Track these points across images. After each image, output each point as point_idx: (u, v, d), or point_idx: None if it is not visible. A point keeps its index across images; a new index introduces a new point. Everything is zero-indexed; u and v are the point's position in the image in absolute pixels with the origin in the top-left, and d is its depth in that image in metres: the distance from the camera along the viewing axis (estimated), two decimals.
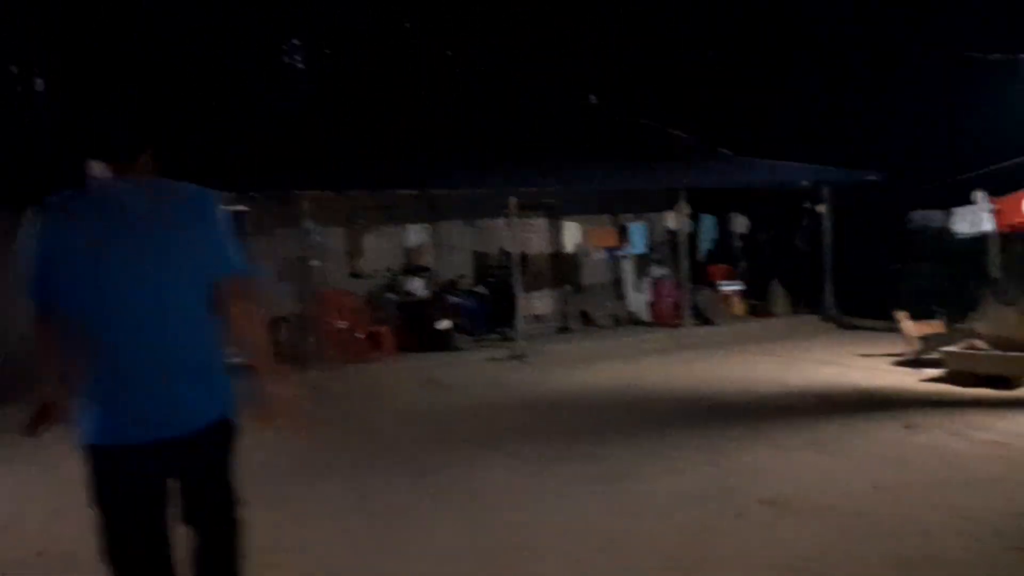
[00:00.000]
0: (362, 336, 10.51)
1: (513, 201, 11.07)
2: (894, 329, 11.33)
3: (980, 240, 10.98)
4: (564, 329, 12.79)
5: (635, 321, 13.16)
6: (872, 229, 14.03)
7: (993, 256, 11.27)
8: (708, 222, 14.06)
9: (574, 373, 9.97)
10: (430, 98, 13.88)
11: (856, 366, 9.50)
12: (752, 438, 6.28)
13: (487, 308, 11.75)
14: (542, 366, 10.49)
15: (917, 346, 9.47)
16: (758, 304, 14.39)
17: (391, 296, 11.54)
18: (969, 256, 11.22)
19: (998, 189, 10.83)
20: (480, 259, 12.75)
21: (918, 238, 12.99)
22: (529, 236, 12.78)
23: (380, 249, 11.93)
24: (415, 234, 12.08)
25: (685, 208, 12.89)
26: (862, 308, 13.89)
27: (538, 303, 12.92)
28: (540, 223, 12.98)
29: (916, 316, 10.14)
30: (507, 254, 11.71)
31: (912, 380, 8.36)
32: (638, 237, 13.02)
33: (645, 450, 6.10)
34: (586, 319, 13.05)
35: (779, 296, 14.31)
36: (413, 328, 11.04)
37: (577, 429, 7.02)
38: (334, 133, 12.54)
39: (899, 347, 9.70)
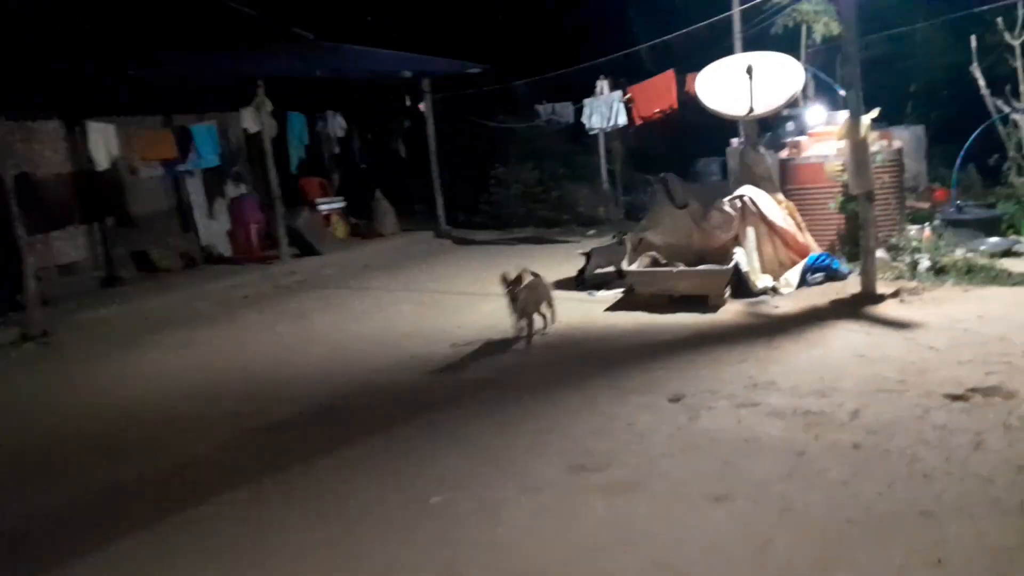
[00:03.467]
0: None
1: None
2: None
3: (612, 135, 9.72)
4: (111, 281, 8.96)
5: (214, 259, 9.74)
6: (480, 130, 12.41)
7: (616, 153, 10.32)
8: (297, 123, 11.01)
9: (129, 359, 6.40)
10: None
11: None
12: (464, 483, 3.59)
13: None
14: (76, 351, 6.74)
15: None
16: (363, 224, 12.04)
17: None
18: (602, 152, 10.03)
19: (634, 77, 9.62)
20: None
21: (543, 137, 11.61)
22: (34, 148, 8.46)
23: None
24: None
25: (267, 104, 9.70)
26: (474, 218, 12.42)
27: (63, 248, 8.75)
28: (50, 128, 8.67)
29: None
30: None
31: (600, 311, 6.62)
32: (206, 144, 9.49)
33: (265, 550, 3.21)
34: (143, 264, 9.23)
35: (386, 212, 12.11)
36: None
37: (120, 494, 3.79)
38: None
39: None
